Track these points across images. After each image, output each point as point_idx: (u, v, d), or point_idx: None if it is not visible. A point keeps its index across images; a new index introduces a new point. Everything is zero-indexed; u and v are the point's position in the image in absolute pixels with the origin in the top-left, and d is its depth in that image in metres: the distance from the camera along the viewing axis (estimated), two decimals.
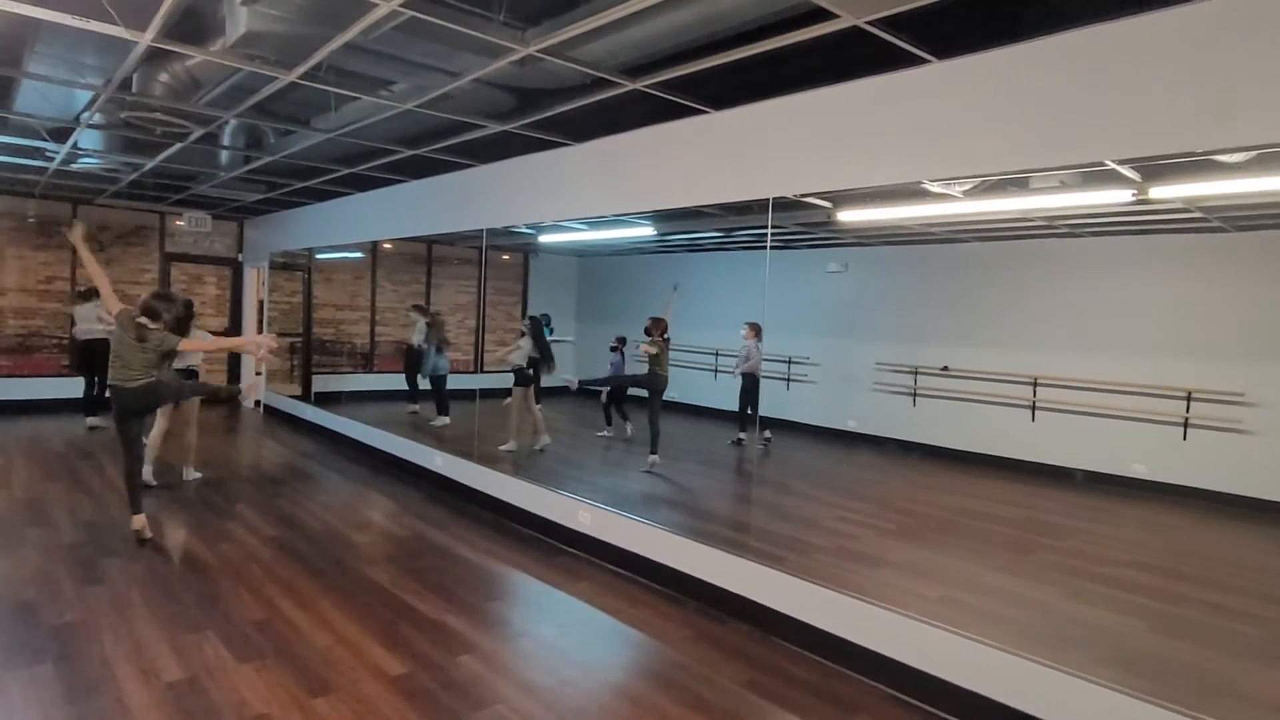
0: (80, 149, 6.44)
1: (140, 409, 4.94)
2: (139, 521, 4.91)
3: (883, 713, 3.26)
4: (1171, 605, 4.36)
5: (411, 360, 9.32)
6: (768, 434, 8.32)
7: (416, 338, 9.33)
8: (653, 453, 6.69)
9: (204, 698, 3.07)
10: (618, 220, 6.10)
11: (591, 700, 3.24)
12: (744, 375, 7.87)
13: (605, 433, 8.27)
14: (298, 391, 10.48)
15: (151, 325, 4.76)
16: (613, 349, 8.08)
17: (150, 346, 4.74)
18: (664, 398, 7.71)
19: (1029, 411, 7.62)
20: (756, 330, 7.82)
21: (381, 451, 7.83)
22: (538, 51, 3.54)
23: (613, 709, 3.17)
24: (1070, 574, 4.80)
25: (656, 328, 6.88)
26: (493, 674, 3.41)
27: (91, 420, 8.63)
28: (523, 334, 7.74)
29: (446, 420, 8.58)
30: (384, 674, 3.35)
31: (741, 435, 8.06)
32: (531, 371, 7.46)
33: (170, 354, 4.91)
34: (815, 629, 3.75)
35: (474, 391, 7.73)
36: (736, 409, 8.00)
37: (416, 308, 9.91)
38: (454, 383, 9.38)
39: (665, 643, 3.87)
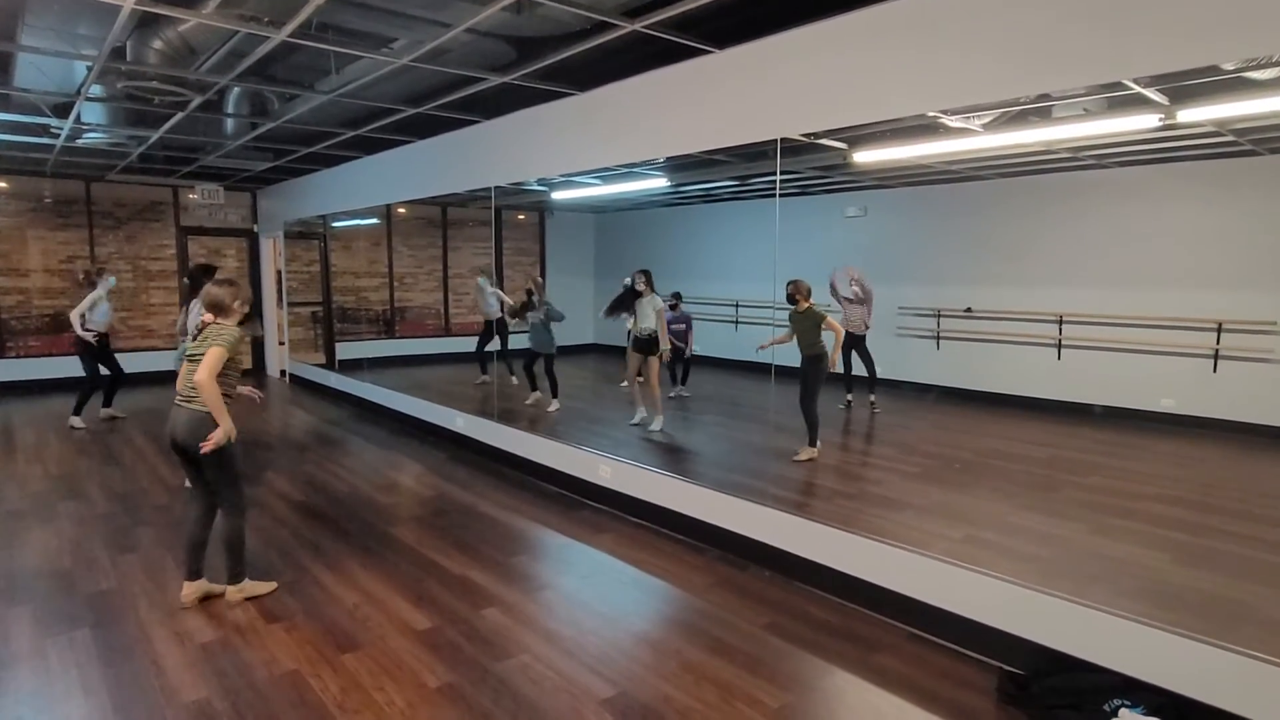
0: (84, 123, 6.42)
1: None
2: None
3: (904, 651, 3.26)
4: (1198, 537, 4.29)
5: (489, 332, 8.61)
6: (872, 398, 7.61)
7: (490, 307, 8.58)
8: (811, 444, 5.76)
9: (235, 657, 3.14)
10: (629, 172, 5.99)
11: (614, 647, 3.27)
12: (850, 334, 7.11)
13: (676, 392, 7.76)
14: (322, 360, 10.57)
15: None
16: (671, 307, 7.19)
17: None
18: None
19: (1055, 350, 7.48)
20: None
21: (406, 415, 7.91)
22: None
23: (634, 655, 3.21)
24: (1097, 510, 4.74)
25: (800, 291, 5.66)
26: (517, 625, 3.46)
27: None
28: (637, 293, 6.59)
29: (556, 404, 7.42)
30: (410, 629, 3.41)
31: (849, 397, 7.64)
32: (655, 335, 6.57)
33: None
34: (836, 572, 3.75)
35: (491, 354, 7.74)
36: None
37: (481, 271, 9.12)
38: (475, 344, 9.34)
39: (686, 590, 3.90)
